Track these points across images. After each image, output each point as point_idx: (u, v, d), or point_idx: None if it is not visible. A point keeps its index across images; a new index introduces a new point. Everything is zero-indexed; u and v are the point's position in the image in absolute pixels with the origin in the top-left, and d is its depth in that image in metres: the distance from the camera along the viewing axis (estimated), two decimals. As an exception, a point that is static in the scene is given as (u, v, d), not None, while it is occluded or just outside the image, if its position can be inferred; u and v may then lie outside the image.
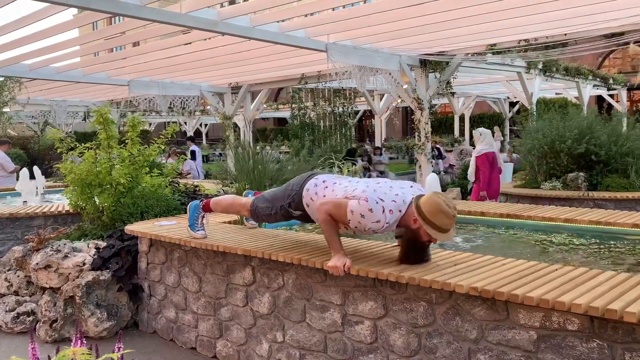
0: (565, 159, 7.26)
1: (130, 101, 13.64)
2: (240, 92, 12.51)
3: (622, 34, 7.67)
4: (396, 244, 3.42)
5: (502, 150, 19.25)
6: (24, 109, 15.33)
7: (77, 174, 5.02)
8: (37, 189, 7.92)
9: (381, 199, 2.92)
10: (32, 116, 16.79)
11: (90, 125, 5.78)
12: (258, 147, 6.07)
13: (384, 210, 2.90)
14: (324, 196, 3.20)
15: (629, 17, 6.52)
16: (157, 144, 5.45)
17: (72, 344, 1.65)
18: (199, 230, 3.93)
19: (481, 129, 7.95)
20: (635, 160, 7.03)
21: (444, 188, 9.26)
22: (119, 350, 1.70)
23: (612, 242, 4.07)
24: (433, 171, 9.04)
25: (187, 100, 11.73)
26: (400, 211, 2.94)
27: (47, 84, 11.23)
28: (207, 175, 11.84)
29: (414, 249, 2.98)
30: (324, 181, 3.30)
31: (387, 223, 2.92)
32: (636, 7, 6.21)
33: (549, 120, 7.87)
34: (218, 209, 4.00)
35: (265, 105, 19.31)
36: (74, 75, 9.78)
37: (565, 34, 7.81)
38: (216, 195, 5.09)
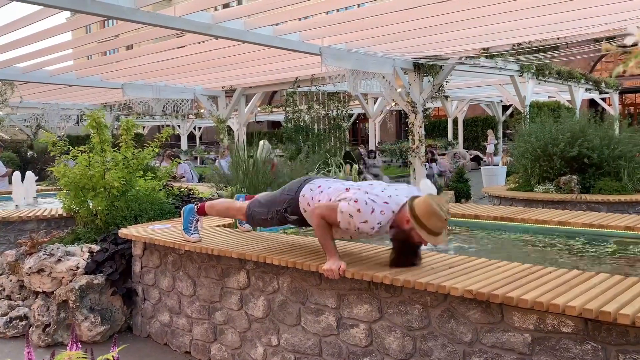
0: (558, 162, 7.29)
1: (124, 104, 13.60)
2: (235, 95, 12.52)
3: (613, 38, 7.74)
4: (391, 247, 3.43)
5: (495, 153, 19.37)
6: (16, 113, 15.25)
7: (70, 177, 5.00)
8: (25, 196, 7.85)
9: (372, 200, 2.92)
10: (25, 119, 16.71)
11: (84, 129, 5.75)
12: (252, 150, 6.07)
13: (373, 211, 2.89)
14: (319, 200, 3.20)
15: (619, 21, 6.58)
16: (151, 147, 5.44)
17: (67, 347, 1.64)
18: (193, 233, 3.92)
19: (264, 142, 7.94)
20: (627, 163, 7.07)
21: (437, 191, 9.27)
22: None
23: (605, 245, 4.10)
24: (427, 175, 9.06)
25: (181, 103, 11.71)
26: (393, 212, 2.94)
27: (40, 87, 11.18)
28: (201, 179, 11.82)
29: (405, 250, 2.98)
30: (319, 186, 3.29)
31: (377, 224, 2.91)
32: (625, 12, 6.27)
33: (541, 123, 7.91)
34: (213, 213, 3.99)
35: (259, 109, 19.32)
36: (67, 79, 9.75)
37: (558, 38, 7.88)
38: (210, 199, 5.08)
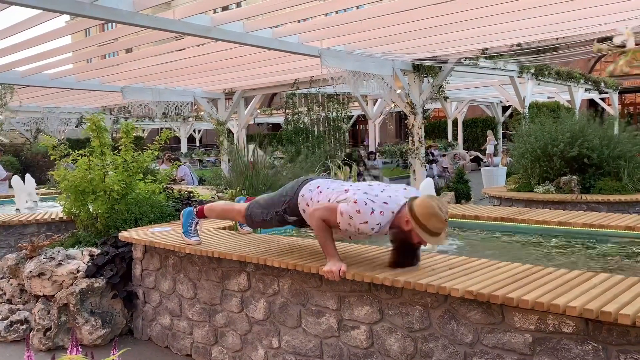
0: (558, 163, 7.29)
1: (124, 107, 13.62)
2: (234, 98, 12.52)
3: (612, 38, 7.74)
4: (391, 248, 3.42)
5: (495, 153, 19.36)
6: (16, 116, 15.25)
7: (70, 180, 5.00)
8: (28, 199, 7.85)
9: (372, 201, 2.93)
10: (24, 123, 16.71)
11: (84, 132, 5.77)
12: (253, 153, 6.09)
13: (372, 212, 2.89)
14: (318, 201, 3.20)
15: (618, 21, 6.58)
16: (151, 150, 5.44)
17: (67, 351, 1.64)
18: (193, 236, 3.92)
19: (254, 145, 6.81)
20: (627, 163, 7.07)
21: (437, 192, 9.27)
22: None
23: (606, 245, 4.10)
24: (427, 175, 9.05)
25: (180, 106, 11.72)
26: (392, 212, 2.94)
27: (39, 91, 11.20)
28: (201, 181, 11.83)
29: (404, 250, 2.99)
30: (318, 186, 3.29)
31: (377, 224, 2.91)
32: (624, 12, 6.27)
33: (541, 123, 7.91)
34: (212, 215, 3.99)
35: (259, 111, 19.34)
36: (67, 82, 9.76)
37: (557, 39, 7.88)
38: (210, 202, 5.08)
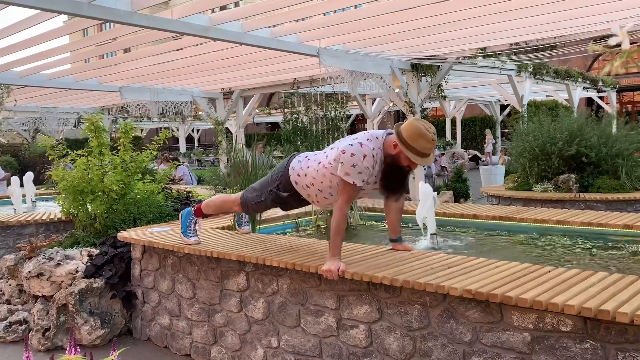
0: (557, 161, 7.30)
1: (122, 107, 13.60)
2: (233, 98, 12.51)
3: (610, 37, 7.74)
4: (390, 247, 3.43)
5: (494, 152, 19.38)
6: (14, 117, 15.23)
7: (69, 181, 5.00)
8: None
9: (354, 139, 3.09)
10: (23, 123, 16.69)
11: (82, 132, 5.77)
12: (251, 152, 6.10)
13: (362, 144, 3.03)
14: (308, 167, 3.33)
15: (616, 20, 6.58)
16: (150, 150, 5.44)
17: (66, 351, 1.64)
18: (192, 236, 3.92)
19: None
20: (625, 161, 7.08)
21: (436, 191, 9.27)
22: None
23: (604, 243, 4.10)
24: (426, 175, 9.05)
25: (179, 106, 11.71)
26: (377, 138, 3.09)
27: (37, 91, 11.17)
28: (199, 181, 11.82)
29: (393, 175, 3.12)
30: (306, 156, 3.44)
31: (372, 149, 3.04)
32: (622, 11, 6.28)
33: (539, 122, 7.92)
34: (210, 211, 4.01)
35: (257, 110, 19.33)
36: (65, 82, 9.73)
37: (555, 37, 7.89)
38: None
